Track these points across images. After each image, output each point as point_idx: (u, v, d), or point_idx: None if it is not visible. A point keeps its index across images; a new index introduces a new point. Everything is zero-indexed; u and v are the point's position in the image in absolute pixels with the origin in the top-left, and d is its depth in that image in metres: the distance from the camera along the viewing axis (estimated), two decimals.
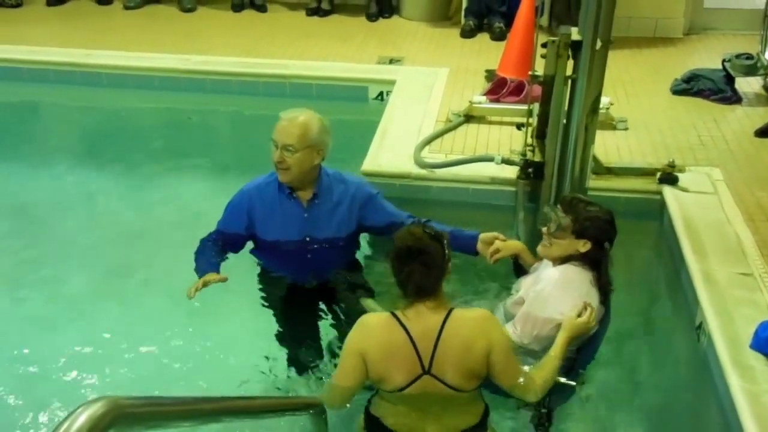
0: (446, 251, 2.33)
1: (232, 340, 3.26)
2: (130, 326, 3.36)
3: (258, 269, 3.30)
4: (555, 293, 2.63)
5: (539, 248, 2.81)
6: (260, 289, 3.28)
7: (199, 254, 3.15)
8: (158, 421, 1.49)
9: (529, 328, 2.60)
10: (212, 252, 3.15)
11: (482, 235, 3.09)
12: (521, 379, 2.41)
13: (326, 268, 3.22)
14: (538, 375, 2.45)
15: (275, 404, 2.27)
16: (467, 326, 2.32)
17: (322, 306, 3.24)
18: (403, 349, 2.29)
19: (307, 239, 3.14)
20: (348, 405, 2.49)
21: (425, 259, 2.28)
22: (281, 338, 3.17)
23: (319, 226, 3.13)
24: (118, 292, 3.63)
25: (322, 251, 3.16)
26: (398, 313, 2.33)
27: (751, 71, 5.01)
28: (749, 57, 5.01)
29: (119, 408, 1.32)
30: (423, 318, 2.31)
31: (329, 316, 3.23)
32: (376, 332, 2.35)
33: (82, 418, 1.26)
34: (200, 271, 3.04)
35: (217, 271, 3.03)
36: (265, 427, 2.38)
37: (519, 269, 3.10)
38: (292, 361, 3.07)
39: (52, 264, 3.89)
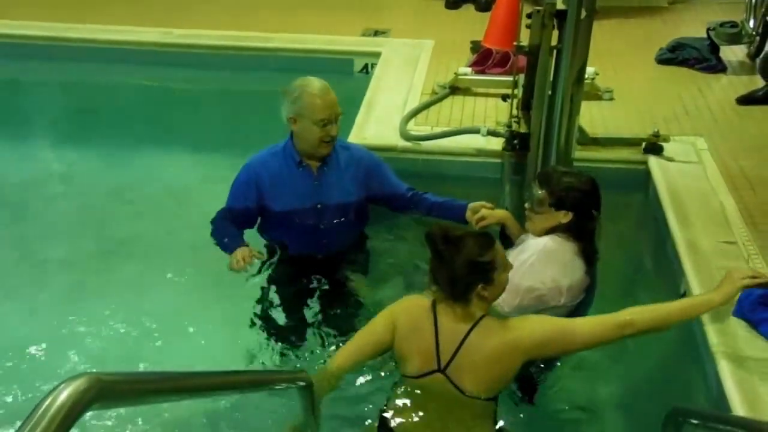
0: (472, 271, 2.24)
1: (221, 316, 3.25)
2: (115, 303, 3.33)
3: (264, 246, 3.28)
4: (537, 263, 2.64)
5: (526, 224, 2.83)
6: (266, 264, 3.25)
7: (220, 232, 3.17)
8: (142, 397, 1.48)
9: (512, 297, 2.61)
10: (231, 228, 3.17)
11: (471, 204, 3.15)
12: (593, 333, 2.26)
13: (336, 239, 3.24)
14: (629, 309, 2.29)
15: (262, 379, 2.26)
16: (495, 337, 2.24)
17: (324, 282, 3.23)
18: (426, 337, 2.28)
19: (319, 206, 3.15)
20: (347, 372, 2.41)
21: (442, 253, 2.24)
22: (272, 314, 3.16)
23: (330, 192, 3.15)
24: (101, 269, 3.61)
25: (333, 221, 3.19)
26: (438, 303, 2.31)
27: (735, 39, 5.02)
28: (734, 25, 5.01)
29: (102, 384, 1.30)
30: (454, 316, 2.28)
31: (328, 294, 3.21)
32: (412, 310, 2.35)
33: (64, 394, 1.24)
34: (230, 247, 3.06)
35: (246, 244, 3.07)
36: (252, 402, 2.38)
37: (506, 240, 3.10)
38: (283, 337, 3.06)
39: (34, 241, 3.86)
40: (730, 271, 2.50)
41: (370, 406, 2.46)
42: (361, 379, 2.52)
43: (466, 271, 2.24)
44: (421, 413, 2.31)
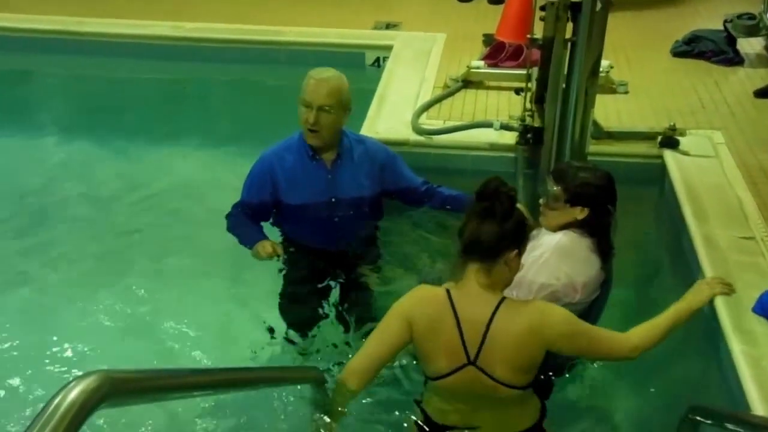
0: (517, 231, 2.16)
1: (233, 311, 3.24)
2: (126, 299, 3.33)
3: (280, 239, 3.27)
4: (552, 260, 2.60)
5: (540, 219, 2.79)
6: (280, 258, 3.21)
7: (238, 226, 3.16)
8: (153, 394, 1.47)
9: (525, 293, 2.58)
10: (249, 222, 3.16)
11: None
12: (611, 346, 2.27)
13: (350, 233, 3.23)
14: (635, 332, 2.32)
15: (273, 375, 2.25)
16: (520, 320, 2.15)
17: (338, 276, 3.21)
18: (449, 331, 2.16)
19: (333, 200, 3.14)
20: (368, 381, 2.28)
21: (490, 207, 2.12)
22: (288, 307, 3.14)
23: (344, 186, 3.14)
24: (111, 265, 3.60)
25: (347, 215, 3.18)
26: (452, 291, 2.20)
27: (753, 31, 4.96)
28: (751, 17, 4.95)
29: (112, 381, 1.29)
30: (473, 301, 2.17)
31: (341, 287, 3.19)
32: (427, 303, 2.21)
33: (75, 392, 1.24)
34: (250, 241, 3.07)
35: (267, 237, 3.07)
36: (264, 398, 2.36)
37: None
38: (296, 331, 3.03)
39: (43, 237, 3.84)
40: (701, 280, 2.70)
41: (402, 404, 2.43)
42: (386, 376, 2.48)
43: (513, 229, 2.14)
44: (458, 410, 2.25)
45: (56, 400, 1.22)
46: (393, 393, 2.54)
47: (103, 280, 3.48)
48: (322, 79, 2.98)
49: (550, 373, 2.62)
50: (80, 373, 1.30)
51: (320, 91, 2.95)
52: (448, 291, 2.21)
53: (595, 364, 2.72)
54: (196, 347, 3.00)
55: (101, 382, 1.27)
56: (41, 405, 1.23)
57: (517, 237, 2.19)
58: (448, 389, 2.23)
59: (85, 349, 3.00)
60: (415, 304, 2.24)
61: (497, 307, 2.16)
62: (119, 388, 1.31)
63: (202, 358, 2.90)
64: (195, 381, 1.61)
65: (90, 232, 3.89)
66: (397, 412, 2.43)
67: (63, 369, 2.82)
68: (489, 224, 2.14)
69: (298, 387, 2.37)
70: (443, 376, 2.20)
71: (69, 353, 2.97)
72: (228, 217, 3.21)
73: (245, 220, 3.17)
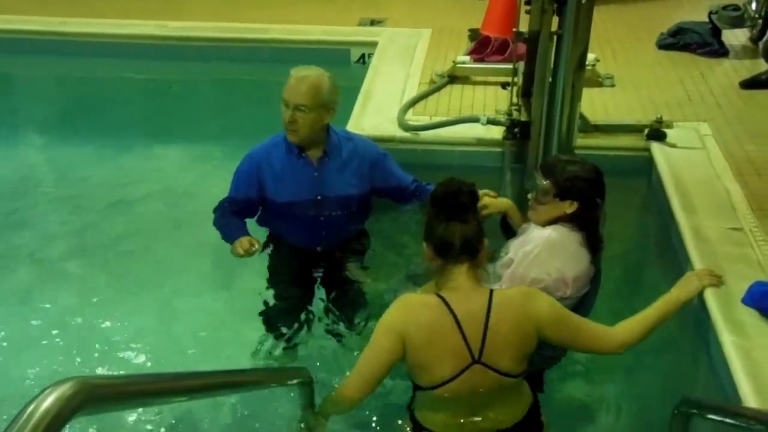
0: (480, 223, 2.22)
1: (217, 313, 3.21)
2: (108, 301, 3.29)
3: (265, 238, 3.25)
4: (542, 254, 2.59)
5: (529, 213, 2.78)
6: (266, 256, 3.20)
7: (222, 221, 3.14)
8: (133, 400, 1.43)
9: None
10: (233, 218, 3.14)
11: None
12: (597, 340, 2.28)
13: (337, 232, 3.20)
14: (623, 327, 2.32)
15: (259, 377, 2.21)
16: (514, 307, 2.16)
17: (324, 275, 3.19)
18: (449, 335, 2.12)
19: (319, 198, 3.12)
20: (364, 398, 2.22)
21: (464, 205, 2.16)
22: (275, 308, 3.10)
23: (330, 184, 3.11)
24: (92, 268, 3.55)
25: (334, 214, 3.16)
26: (443, 294, 2.17)
27: (737, 23, 4.97)
28: (736, 8, 4.96)
29: (90, 388, 1.25)
30: (467, 299, 2.15)
31: (328, 286, 3.16)
32: (420, 312, 2.15)
33: (50, 399, 1.19)
34: (230, 237, 3.05)
35: (248, 234, 3.04)
36: (249, 402, 2.33)
37: (507, 230, 3.05)
38: (282, 331, 2.99)
39: (25, 238, 3.80)
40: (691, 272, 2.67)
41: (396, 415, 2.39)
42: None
43: (481, 222, 2.21)
44: (458, 415, 2.22)
45: (30, 408, 1.18)
46: (387, 403, 2.50)
47: (82, 284, 3.44)
48: (301, 78, 2.95)
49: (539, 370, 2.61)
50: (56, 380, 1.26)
51: (299, 90, 2.93)
52: (439, 295, 2.17)
53: (584, 358, 2.71)
54: (179, 351, 2.96)
55: (78, 388, 1.23)
56: (14, 414, 1.19)
57: (482, 229, 2.23)
58: (451, 394, 2.18)
59: (62, 355, 2.94)
60: (406, 316, 2.18)
61: (490, 301, 2.16)
62: (97, 395, 1.27)
63: (186, 362, 2.86)
64: (177, 386, 1.57)
65: (71, 234, 3.84)
66: (390, 423, 2.40)
67: (38, 376, 2.77)
68: (471, 222, 2.18)
69: (286, 388, 2.35)
70: (447, 382, 2.15)
71: (45, 360, 2.91)
72: (215, 211, 3.20)
73: (229, 216, 3.15)
